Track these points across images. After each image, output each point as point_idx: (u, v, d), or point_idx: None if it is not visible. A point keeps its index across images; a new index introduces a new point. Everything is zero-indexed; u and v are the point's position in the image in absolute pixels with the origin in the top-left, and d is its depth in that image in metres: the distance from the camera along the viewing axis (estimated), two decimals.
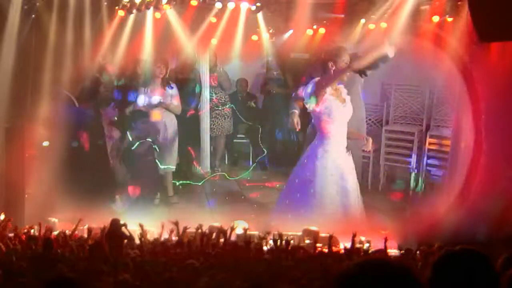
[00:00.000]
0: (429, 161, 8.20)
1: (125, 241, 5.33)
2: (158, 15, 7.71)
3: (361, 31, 7.59)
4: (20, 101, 6.93)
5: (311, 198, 6.66)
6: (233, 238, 5.59)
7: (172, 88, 8.04)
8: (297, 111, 6.79)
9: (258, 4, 7.65)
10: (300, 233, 6.26)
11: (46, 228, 5.77)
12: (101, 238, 5.05)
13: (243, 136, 9.60)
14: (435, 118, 8.33)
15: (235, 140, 9.59)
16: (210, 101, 8.91)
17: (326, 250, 5.32)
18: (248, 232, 5.69)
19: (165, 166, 8.12)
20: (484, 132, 6.36)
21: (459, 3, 6.62)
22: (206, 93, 8.83)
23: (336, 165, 6.61)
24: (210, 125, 8.98)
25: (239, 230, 5.87)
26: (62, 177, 7.00)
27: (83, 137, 7.68)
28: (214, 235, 5.43)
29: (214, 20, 7.84)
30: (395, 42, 6.37)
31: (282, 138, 9.32)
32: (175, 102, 8.03)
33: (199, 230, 5.44)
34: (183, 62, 8.66)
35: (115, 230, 5.34)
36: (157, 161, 8.02)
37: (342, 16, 7.56)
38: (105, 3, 7.39)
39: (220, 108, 9.01)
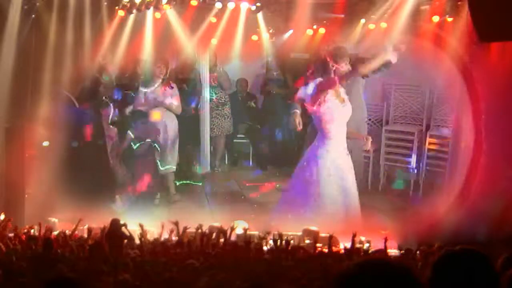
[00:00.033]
0: (429, 161, 8.20)
1: (125, 241, 5.34)
2: (158, 15, 7.72)
3: (361, 31, 7.59)
4: (20, 101, 6.93)
5: (312, 198, 6.67)
6: (233, 238, 5.59)
7: (172, 88, 8.05)
8: (298, 111, 6.82)
9: (258, 4, 7.65)
10: (300, 233, 6.27)
11: (46, 228, 5.77)
12: (101, 238, 5.05)
13: (243, 136, 9.60)
14: (435, 118, 8.32)
15: (235, 140, 9.59)
16: (210, 101, 8.90)
17: (326, 250, 5.32)
18: (248, 232, 5.70)
19: (166, 166, 8.13)
20: (484, 132, 6.36)
21: (459, 3, 6.62)
22: (206, 93, 8.83)
23: (336, 165, 6.62)
24: (210, 125, 8.98)
25: (239, 230, 5.88)
26: (62, 177, 7.01)
27: (83, 137, 7.68)
28: (214, 235, 5.43)
29: (214, 20, 7.84)
30: (398, 47, 6.39)
31: (282, 138, 9.31)
32: (176, 102, 8.04)
33: (199, 230, 5.44)
34: (183, 62, 8.66)
35: (115, 230, 5.34)
36: (158, 161, 8.03)
37: (342, 16, 7.56)
38: (105, 3, 7.40)
39: (220, 108, 9.01)
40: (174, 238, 5.51)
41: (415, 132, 8.36)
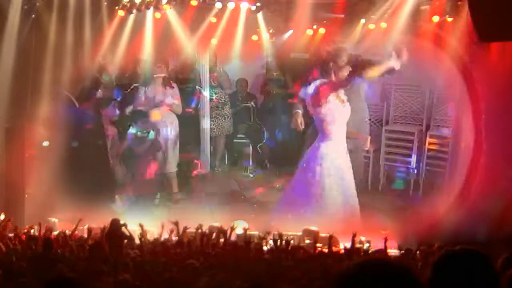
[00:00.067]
0: (429, 161, 8.20)
1: (125, 241, 5.34)
2: (158, 15, 7.71)
3: (361, 31, 7.58)
4: (20, 101, 6.93)
5: (312, 199, 6.68)
6: (233, 238, 5.59)
7: (173, 88, 8.06)
8: (300, 112, 6.85)
9: (258, 4, 7.65)
10: (300, 233, 6.27)
11: (46, 228, 5.77)
12: (101, 238, 5.05)
13: (243, 136, 9.60)
14: (435, 118, 8.32)
15: (235, 140, 9.59)
16: (210, 101, 8.91)
17: (326, 250, 5.32)
18: (248, 232, 5.70)
19: (167, 166, 8.13)
20: (484, 132, 6.36)
21: (459, 3, 6.62)
22: (206, 93, 8.83)
23: (336, 165, 6.64)
24: (210, 125, 8.98)
25: (239, 230, 5.88)
26: (62, 177, 7.00)
27: (83, 137, 7.67)
28: (214, 235, 5.43)
29: (214, 20, 7.84)
30: (401, 55, 6.39)
31: (282, 138, 9.31)
32: (177, 101, 8.05)
33: (199, 230, 5.44)
34: (183, 62, 8.66)
35: (115, 230, 5.34)
36: (158, 161, 8.03)
37: (342, 16, 7.56)
38: (105, 3, 7.39)
39: (220, 108, 9.01)
40: (174, 238, 5.51)
41: (415, 132, 8.36)
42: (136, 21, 7.69)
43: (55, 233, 6.00)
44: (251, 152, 9.57)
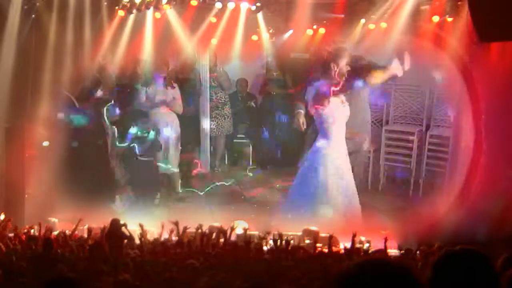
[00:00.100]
0: (429, 161, 8.20)
1: (125, 241, 5.34)
2: (158, 15, 7.72)
3: (361, 31, 7.58)
4: (20, 101, 6.93)
5: (313, 199, 6.68)
6: (233, 238, 5.59)
7: (174, 88, 8.07)
8: (302, 112, 6.86)
9: (258, 4, 7.65)
10: (300, 233, 6.27)
11: (46, 228, 5.77)
12: (101, 238, 5.05)
13: (243, 136, 9.60)
14: (435, 118, 8.32)
15: (235, 140, 9.59)
16: (210, 101, 8.91)
17: (326, 250, 5.32)
18: (248, 232, 5.70)
19: (168, 166, 8.13)
20: (484, 132, 6.37)
21: (459, 3, 6.62)
22: (206, 93, 8.83)
23: (336, 165, 6.65)
24: (210, 125, 8.98)
25: (239, 230, 5.88)
26: (62, 177, 7.01)
27: (83, 137, 7.67)
28: (214, 235, 5.43)
29: (214, 20, 7.84)
30: (403, 62, 6.40)
31: (282, 138, 9.31)
32: (178, 101, 8.05)
33: (199, 230, 5.44)
34: (183, 62, 8.66)
35: (115, 230, 5.34)
36: (159, 161, 8.03)
37: (342, 16, 7.56)
38: (105, 3, 7.39)
39: (220, 108, 9.01)
40: (174, 238, 5.51)
41: (415, 132, 8.35)
42: (136, 21, 7.69)
43: (55, 233, 6.00)
44: (251, 152, 9.57)
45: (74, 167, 7.28)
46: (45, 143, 7.30)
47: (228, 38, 8.03)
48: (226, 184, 8.68)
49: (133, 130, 7.83)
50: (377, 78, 6.45)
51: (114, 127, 8.03)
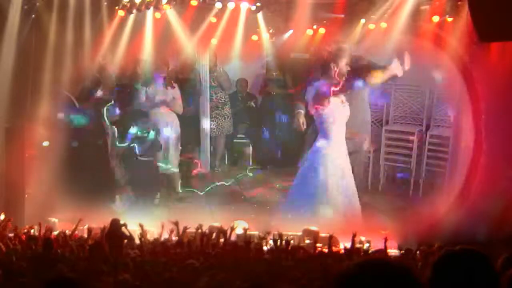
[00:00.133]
0: (429, 161, 8.20)
1: (125, 241, 5.34)
2: (158, 15, 7.72)
3: (361, 31, 7.58)
4: (20, 101, 6.94)
5: (313, 199, 6.68)
6: (233, 238, 5.59)
7: (174, 88, 8.07)
8: (302, 112, 6.86)
9: (258, 4, 7.65)
10: (300, 233, 6.27)
11: (46, 228, 5.77)
12: (101, 238, 5.05)
13: (243, 136, 9.60)
14: (435, 118, 8.32)
15: (235, 140, 9.59)
16: (210, 101, 8.91)
17: (326, 250, 5.32)
18: (248, 232, 5.70)
19: (168, 166, 8.13)
20: (484, 132, 6.37)
21: (459, 3, 6.62)
22: (206, 93, 8.83)
23: (336, 165, 6.65)
24: (210, 125, 8.98)
25: (239, 230, 5.88)
26: (62, 177, 7.01)
27: (83, 137, 7.67)
28: (214, 235, 5.43)
29: (214, 20, 7.84)
30: (403, 62, 6.40)
31: (282, 138, 9.31)
32: (178, 101, 8.06)
33: (199, 230, 5.44)
34: (183, 62, 8.66)
35: (115, 230, 5.34)
36: (160, 161, 8.03)
37: (342, 16, 7.56)
38: (105, 3, 7.40)
39: (220, 108, 9.01)
40: (174, 238, 5.51)
41: (415, 132, 8.35)
42: (136, 21, 7.69)
43: (55, 233, 6.00)
44: (251, 152, 9.58)
45: (74, 167, 7.28)
46: (45, 143, 7.30)
47: (228, 38, 8.03)
48: (226, 184, 8.68)
49: (133, 130, 7.83)
50: (377, 78, 6.45)
51: (114, 127, 8.03)
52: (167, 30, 7.77)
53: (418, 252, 5.23)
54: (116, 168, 8.05)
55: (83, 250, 4.89)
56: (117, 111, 7.97)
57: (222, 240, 5.38)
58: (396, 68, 6.39)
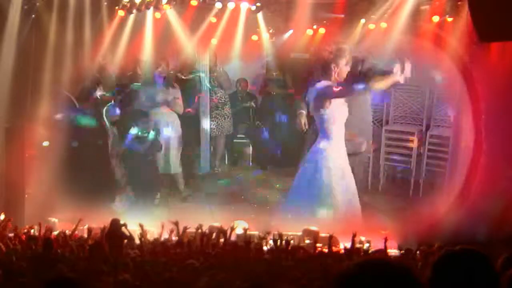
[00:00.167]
0: (429, 161, 8.20)
1: (125, 241, 5.34)
2: (158, 15, 7.72)
3: (361, 31, 7.58)
4: (20, 101, 6.93)
5: (313, 199, 6.68)
6: (233, 238, 5.59)
7: (175, 88, 8.07)
8: (304, 112, 6.86)
9: (258, 4, 7.65)
10: (300, 233, 6.27)
11: (46, 228, 5.77)
12: (101, 238, 5.05)
13: (243, 136, 9.61)
14: (435, 118, 8.32)
15: (235, 140, 9.59)
16: (210, 101, 8.91)
17: (326, 250, 5.32)
18: (248, 232, 5.70)
19: (168, 166, 8.13)
20: (484, 132, 6.36)
21: (459, 3, 6.62)
22: (206, 93, 8.83)
23: (336, 165, 6.65)
24: (210, 125, 8.98)
25: (239, 230, 5.87)
26: (62, 177, 7.01)
27: (83, 137, 7.67)
28: (214, 235, 5.43)
29: (214, 20, 7.84)
30: (405, 69, 6.40)
31: (282, 138, 9.31)
32: (179, 101, 8.06)
33: (199, 230, 5.44)
34: (183, 62, 8.66)
35: (115, 230, 5.34)
36: (158, 161, 8.03)
37: (342, 16, 7.56)
38: (105, 3, 7.40)
39: (220, 108, 9.02)
40: (174, 238, 5.50)
41: (415, 132, 8.35)
42: (136, 21, 7.70)
43: (55, 233, 5.99)
44: (251, 152, 9.58)
45: (74, 167, 7.27)
46: (45, 143, 7.30)
47: (228, 38, 8.03)
48: (226, 184, 8.69)
49: (133, 130, 7.82)
50: (381, 84, 6.45)
51: (114, 127, 8.03)
52: (167, 30, 7.77)
53: (418, 252, 5.23)
54: (116, 168, 8.05)
55: (83, 250, 4.89)
56: (117, 111, 7.97)
57: (222, 240, 5.38)
58: (398, 75, 6.39)
